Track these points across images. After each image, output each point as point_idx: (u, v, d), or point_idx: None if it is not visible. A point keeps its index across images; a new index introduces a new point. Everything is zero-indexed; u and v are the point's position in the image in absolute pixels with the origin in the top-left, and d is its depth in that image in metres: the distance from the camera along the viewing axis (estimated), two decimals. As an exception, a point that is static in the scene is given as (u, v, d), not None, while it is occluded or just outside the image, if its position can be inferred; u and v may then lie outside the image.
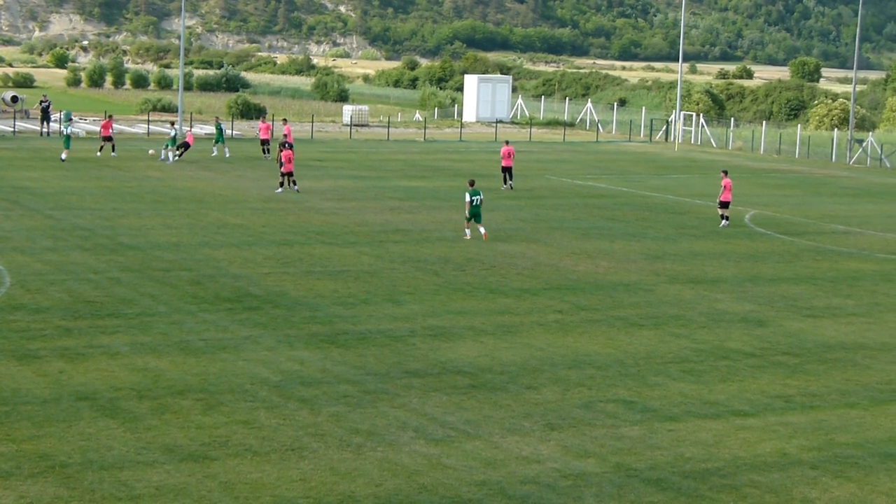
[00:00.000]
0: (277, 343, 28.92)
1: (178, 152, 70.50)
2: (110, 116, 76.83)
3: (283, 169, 57.85)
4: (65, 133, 68.82)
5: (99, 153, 71.02)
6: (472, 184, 46.13)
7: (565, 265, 41.01)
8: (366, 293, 34.99)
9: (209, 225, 46.47)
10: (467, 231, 45.85)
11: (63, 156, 67.32)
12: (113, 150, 71.68)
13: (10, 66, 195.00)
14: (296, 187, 57.89)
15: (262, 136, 74.69)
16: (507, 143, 65.76)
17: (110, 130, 72.99)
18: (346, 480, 20.00)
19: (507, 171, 62.93)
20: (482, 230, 45.56)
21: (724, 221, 51.44)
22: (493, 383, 26.19)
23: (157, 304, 32.51)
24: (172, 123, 76.43)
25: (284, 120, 75.99)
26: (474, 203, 45.10)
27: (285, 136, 67.30)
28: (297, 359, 27.55)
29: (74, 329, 29.43)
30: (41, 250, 39.68)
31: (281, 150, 58.83)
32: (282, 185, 57.82)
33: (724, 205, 51.56)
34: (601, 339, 30.79)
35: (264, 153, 73.60)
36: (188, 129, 73.79)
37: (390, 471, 20.52)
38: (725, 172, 52.36)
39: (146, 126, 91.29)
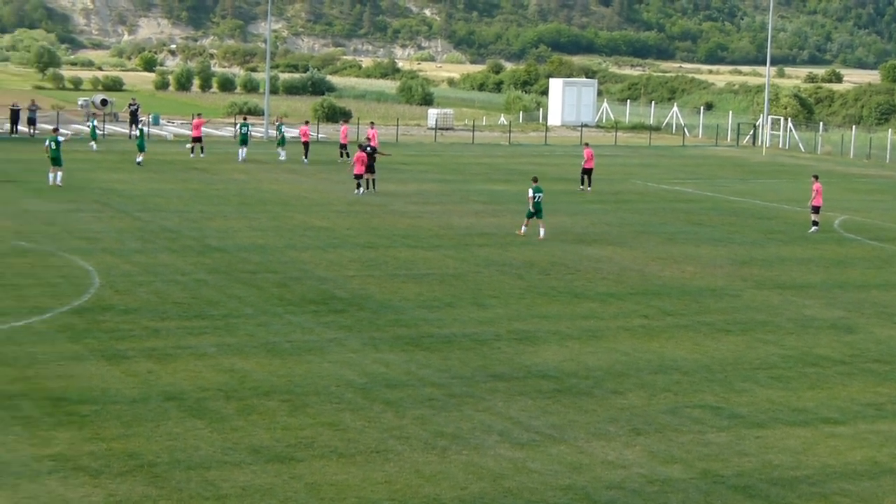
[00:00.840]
0: (362, 345, 29.00)
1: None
2: (199, 115, 77.64)
3: (355, 171, 58.24)
4: (138, 135, 67.93)
5: (192, 154, 72.14)
6: (535, 180, 47.30)
7: (651, 270, 40.78)
8: (450, 296, 34.99)
9: (294, 227, 46.73)
10: (523, 227, 46.45)
11: (139, 159, 66.98)
12: (194, 151, 72.56)
13: (100, 69, 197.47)
14: (358, 191, 58.14)
15: (342, 140, 75.15)
16: (587, 145, 65.85)
17: (200, 130, 74.03)
18: (431, 483, 20.00)
19: (587, 173, 63.17)
20: (542, 229, 46.27)
21: (813, 227, 50.96)
22: (579, 388, 26.10)
23: (243, 305, 32.72)
24: (244, 118, 77.06)
25: (372, 123, 76.47)
26: (536, 199, 45.94)
27: (368, 139, 67.61)
28: (383, 361, 27.61)
29: (162, 330, 29.70)
30: (130, 252, 40.10)
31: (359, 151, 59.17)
32: (358, 186, 58.25)
33: (815, 210, 51.09)
34: (687, 344, 30.57)
35: (341, 156, 74.06)
36: (305, 124, 75.18)
37: (475, 474, 20.50)
38: (816, 177, 51.89)
39: (233, 129, 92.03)
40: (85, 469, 20.00)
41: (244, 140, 72.70)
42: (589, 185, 63.33)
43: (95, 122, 78.12)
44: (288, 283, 35.85)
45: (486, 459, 21.24)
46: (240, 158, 71.77)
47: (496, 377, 26.66)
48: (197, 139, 73.63)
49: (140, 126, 70.93)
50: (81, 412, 22.93)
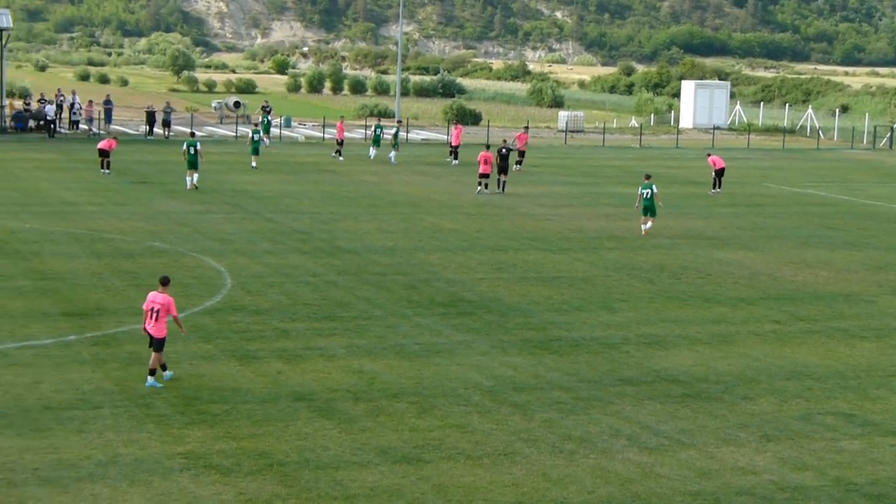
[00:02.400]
0: (491, 348, 28.99)
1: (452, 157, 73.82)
2: (342, 118, 78.84)
3: (479, 170, 59.06)
4: (255, 139, 68.00)
5: (339, 157, 73.34)
6: (647, 177, 48.24)
7: (783, 274, 40.24)
8: (579, 300, 34.86)
9: (424, 229, 46.89)
10: (643, 226, 47.32)
11: (253, 163, 67.31)
12: (336, 153, 73.62)
13: (234, 72, 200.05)
14: (479, 189, 59.21)
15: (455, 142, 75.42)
16: (708, 154, 65.96)
17: (343, 134, 75.29)
18: (559, 487, 19.93)
19: (719, 174, 62.79)
20: (646, 225, 47.30)
21: None
22: (708, 393, 25.83)
23: (372, 307, 32.90)
24: (400, 122, 77.41)
25: (526, 128, 77.04)
26: (644, 196, 46.90)
27: (515, 140, 67.80)
28: (510, 364, 27.58)
29: (292, 331, 29.97)
30: (261, 253, 40.55)
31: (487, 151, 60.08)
32: (479, 184, 59.26)
33: None
34: (820, 350, 30.10)
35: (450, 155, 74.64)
36: (456, 126, 76.05)
37: (603, 478, 20.39)
38: None
39: (363, 131, 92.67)
40: (216, 467, 20.27)
41: (377, 140, 74.44)
42: (719, 187, 62.86)
43: (269, 118, 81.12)
44: (417, 286, 35.99)
45: (613, 463, 21.12)
46: (371, 156, 73.98)
47: (625, 381, 26.50)
48: (340, 142, 74.73)
49: (258, 129, 71.13)
50: (213, 411, 23.24)
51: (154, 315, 24.65)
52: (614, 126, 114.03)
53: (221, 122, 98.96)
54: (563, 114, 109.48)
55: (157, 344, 24.74)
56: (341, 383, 25.47)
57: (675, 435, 22.82)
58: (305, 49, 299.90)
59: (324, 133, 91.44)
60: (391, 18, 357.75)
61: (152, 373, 24.95)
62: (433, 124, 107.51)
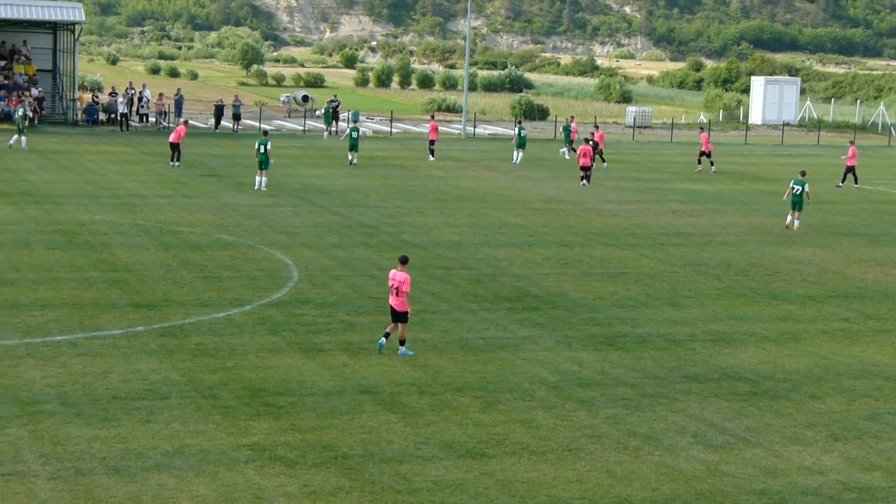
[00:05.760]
0: (556, 343, 28.93)
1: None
2: (432, 117, 77.81)
3: (581, 163, 60.93)
4: (354, 136, 66.97)
5: (432, 158, 70.97)
6: (802, 174, 48.88)
7: (853, 272, 39.87)
8: (645, 296, 34.71)
9: (490, 224, 46.86)
10: (788, 218, 48.53)
11: (353, 159, 66.55)
12: (433, 154, 71.38)
13: (302, 66, 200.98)
14: (584, 182, 60.73)
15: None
16: (851, 143, 66.33)
17: (437, 133, 72.19)
18: (623, 483, 19.86)
19: (850, 170, 64.42)
20: (795, 221, 48.27)
21: None
22: (775, 391, 25.64)
23: (438, 301, 32.92)
24: (520, 122, 74.29)
25: (596, 127, 76.65)
26: (794, 192, 47.83)
27: (592, 134, 67.86)
28: (576, 360, 27.51)
29: (358, 324, 30.03)
30: (327, 246, 40.68)
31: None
32: (583, 178, 60.92)
33: None
34: (890, 349, 29.79)
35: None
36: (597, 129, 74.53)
37: (667, 475, 20.29)
38: None
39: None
40: (281, 459, 20.36)
41: (522, 143, 70.88)
42: (856, 182, 64.77)
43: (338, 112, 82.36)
44: (482, 280, 35.97)
45: (678, 461, 21.02)
46: (515, 161, 70.74)
47: (691, 378, 26.37)
48: (432, 142, 71.46)
49: (356, 126, 69.83)
50: (278, 403, 23.35)
51: (395, 291, 26.81)
52: (682, 122, 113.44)
53: (290, 116, 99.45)
54: (630, 109, 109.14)
55: (401, 317, 27.01)
56: (406, 377, 25.51)
57: (740, 433, 22.68)
58: (374, 43, 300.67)
59: (391, 127, 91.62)
60: (459, 13, 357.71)
61: (402, 342, 27.12)
62: (500, 119, 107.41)
